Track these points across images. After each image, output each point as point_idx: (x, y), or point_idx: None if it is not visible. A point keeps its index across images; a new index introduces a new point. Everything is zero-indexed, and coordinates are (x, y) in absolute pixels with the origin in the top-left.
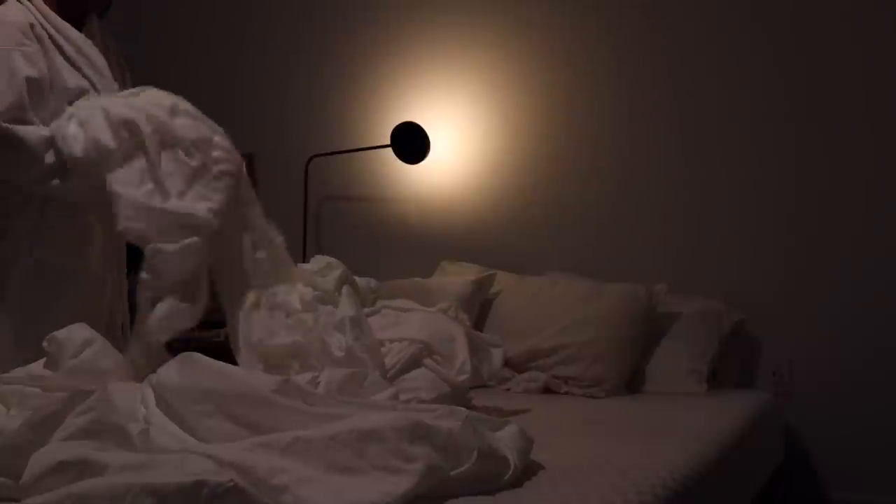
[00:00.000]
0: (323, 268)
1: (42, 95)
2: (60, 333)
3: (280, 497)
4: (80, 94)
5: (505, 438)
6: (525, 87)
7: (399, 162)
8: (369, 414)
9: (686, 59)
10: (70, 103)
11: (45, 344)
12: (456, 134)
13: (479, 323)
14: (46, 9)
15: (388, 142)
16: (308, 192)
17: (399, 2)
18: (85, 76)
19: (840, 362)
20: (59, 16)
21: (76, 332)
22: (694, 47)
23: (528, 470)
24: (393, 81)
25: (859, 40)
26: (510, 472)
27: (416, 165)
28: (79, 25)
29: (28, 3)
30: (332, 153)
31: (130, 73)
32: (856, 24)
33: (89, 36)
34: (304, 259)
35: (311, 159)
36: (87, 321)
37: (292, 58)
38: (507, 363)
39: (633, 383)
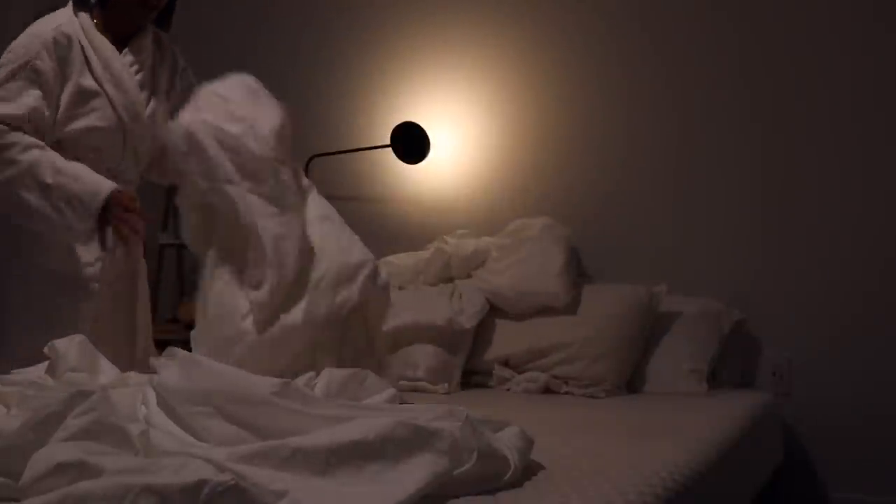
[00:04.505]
0: None
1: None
2: (61, 344)
3: (280, 501)
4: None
5: (505, 438)
6: (525, 86)
7: (399, 162)
8: (368, 418)
9: (688, 59)
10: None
11: (45, 350)
12: (456, 134)
13: (479, 323)
14: (89, 23)
15: (388, 142)
16: None
17: (399, 1)
18: (104, 90)
19: (840, 362)
20: (107, 30)
21: (75, 347)
22: (695, 47)
23: (528, 470)
24: (393, 81)
25: (850, 43)
26: (510, 472)
27: (416, 165)
28: (126, 40)
29: (73, 16)
30: (333, 153)
31: None
32: (848, 27)
33: (139, 50)
34: None
35: (311, 159)
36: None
37: (292, 58)
38: (506, 363)
39: (633, 383)
